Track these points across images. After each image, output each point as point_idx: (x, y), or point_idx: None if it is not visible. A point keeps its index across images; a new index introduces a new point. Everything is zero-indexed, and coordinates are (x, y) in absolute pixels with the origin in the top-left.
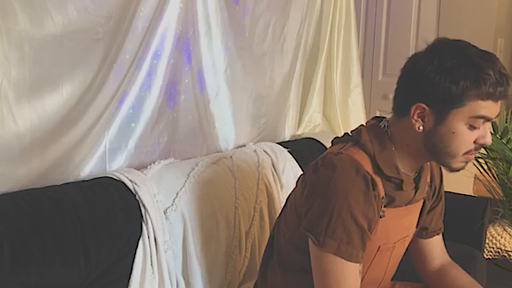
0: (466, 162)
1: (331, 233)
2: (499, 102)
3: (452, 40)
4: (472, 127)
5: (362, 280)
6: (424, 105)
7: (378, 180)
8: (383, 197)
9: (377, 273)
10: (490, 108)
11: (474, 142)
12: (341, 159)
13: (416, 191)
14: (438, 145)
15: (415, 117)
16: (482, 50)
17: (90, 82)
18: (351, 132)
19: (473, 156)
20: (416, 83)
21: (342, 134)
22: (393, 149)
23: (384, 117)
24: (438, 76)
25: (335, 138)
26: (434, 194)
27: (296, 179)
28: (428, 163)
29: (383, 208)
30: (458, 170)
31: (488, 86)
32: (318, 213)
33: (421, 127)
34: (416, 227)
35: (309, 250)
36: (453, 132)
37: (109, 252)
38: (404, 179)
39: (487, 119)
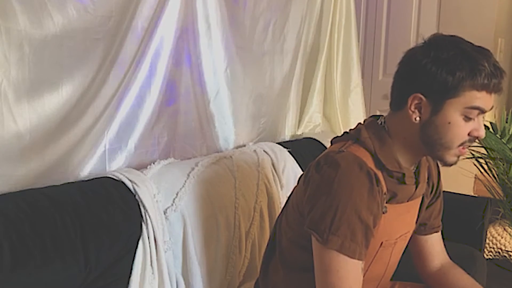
0: (459, 156)
1: (335, 230)
2: (493, 95)
3: (448, 35)
4: (467, 118)
5: (363, 277)
6: (421, 95)
7: (380, 175)
8: (385, 193)
9: (378, 269)
10: (485, 100)
11: (468, 134)
12: (344, 157)
13: (416, 186)
14: (433, 136)
15: (412, 108)
16: (477, 45)
17: (90, 82)
18: (350, 130)
19: (465, 150)
20: (413, 75)
21: (342, 133)
22: (391, 143)
23: (381, 115)
24: (435, 67)
25: (334, 137)
26: (432, 191)
27: (297, 178)
28: (425, 160)
29: (385, 204)
30: (450, 165)
31: (483, 77)
32: (322, 211)
33: (417, 118)
34: (416, 223)
35: (312, 249)
36: (449, 123)
37: (109, 252)
38: (405, 173)
39: (481, 111)
